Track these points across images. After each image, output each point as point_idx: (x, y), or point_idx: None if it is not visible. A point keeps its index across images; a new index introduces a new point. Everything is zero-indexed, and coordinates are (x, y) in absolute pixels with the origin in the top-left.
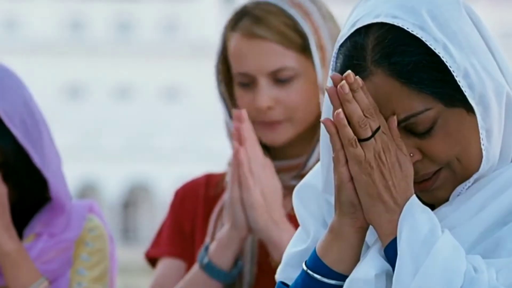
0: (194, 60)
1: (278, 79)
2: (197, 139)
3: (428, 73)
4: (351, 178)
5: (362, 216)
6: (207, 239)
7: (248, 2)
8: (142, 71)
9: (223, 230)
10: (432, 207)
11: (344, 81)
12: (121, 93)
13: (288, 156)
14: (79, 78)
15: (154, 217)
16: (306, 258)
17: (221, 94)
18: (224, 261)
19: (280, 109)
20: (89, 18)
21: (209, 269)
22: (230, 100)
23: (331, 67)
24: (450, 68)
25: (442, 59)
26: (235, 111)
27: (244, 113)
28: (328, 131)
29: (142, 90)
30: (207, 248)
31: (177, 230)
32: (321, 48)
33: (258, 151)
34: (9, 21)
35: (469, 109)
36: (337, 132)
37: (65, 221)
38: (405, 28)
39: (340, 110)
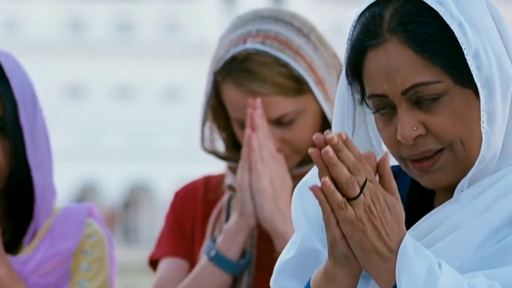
0: (194, 60)
1: (280, 122)
2: (197, 139)
3: (442, 45)
4: (344, 236)
5: (357, 265)
6: (206, 241)
7: (236, 51)
8: (142, 71)
9: (231, 220)
10: (432, 204)
11: (328, 146)
12: (121, 93)
13: (299, 163)
14: (79, 78)
15: (154, 218)
16: (296, 266)
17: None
18: (232, 251)
19: (287, 146)
20: (89, 18)
21: (217, 260)
22: (226, 138)
23: (348, 36)
24: (462, 46)
25: (456, 35)
26: (249, 100)
27: (258, 101)
28: (316, 198)
29: (142, 90)
30: (214, 241)
31: (178, 230)
32: (320, 82)
33: (269, 141)
34: (9, 21)
35: (477, 93)
36: (326, 198)
37: (64, 225)
38: (424, 1)
39: (326, 178)
